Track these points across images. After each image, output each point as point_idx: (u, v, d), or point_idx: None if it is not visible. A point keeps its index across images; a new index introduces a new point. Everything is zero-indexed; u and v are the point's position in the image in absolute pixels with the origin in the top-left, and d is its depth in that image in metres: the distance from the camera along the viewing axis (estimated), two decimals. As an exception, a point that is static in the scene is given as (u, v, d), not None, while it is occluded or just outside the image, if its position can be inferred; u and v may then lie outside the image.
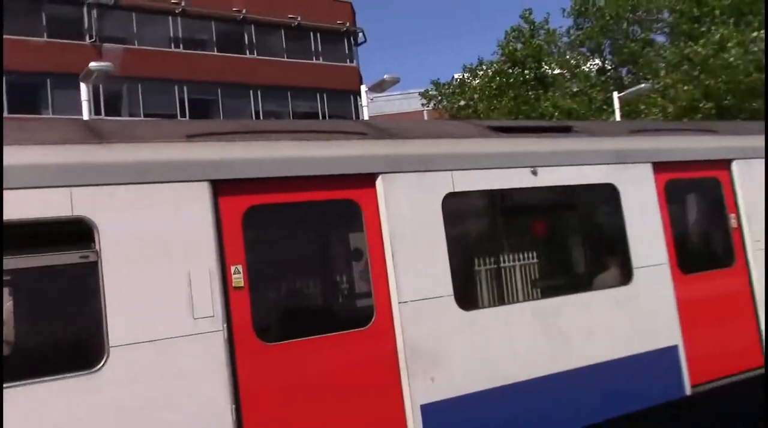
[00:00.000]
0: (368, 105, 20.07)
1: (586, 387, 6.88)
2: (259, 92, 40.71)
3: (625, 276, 7.38)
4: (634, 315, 7.28)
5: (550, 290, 7.28)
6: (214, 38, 40.42)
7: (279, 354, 5.61)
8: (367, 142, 6.32)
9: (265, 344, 5.57)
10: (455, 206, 6.53)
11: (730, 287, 8.17)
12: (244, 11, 40.46)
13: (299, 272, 6.22)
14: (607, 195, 7.46)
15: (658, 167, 7.84)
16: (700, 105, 29.68)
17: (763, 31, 30.22)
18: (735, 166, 8.49)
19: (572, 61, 35.66)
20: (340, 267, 6.51)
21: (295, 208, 5.94)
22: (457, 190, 6.50)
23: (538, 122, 9.46)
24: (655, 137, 8.23)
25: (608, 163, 7.49)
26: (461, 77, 36.83)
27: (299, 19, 42.42)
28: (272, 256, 6.08)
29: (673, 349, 7.45)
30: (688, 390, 7.45)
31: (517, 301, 7.08)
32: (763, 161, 8.75)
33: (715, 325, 7.89)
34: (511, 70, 34.73)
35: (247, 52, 41.54)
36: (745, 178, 8.52)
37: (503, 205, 7.15)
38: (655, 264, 7.52)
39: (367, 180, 6.15)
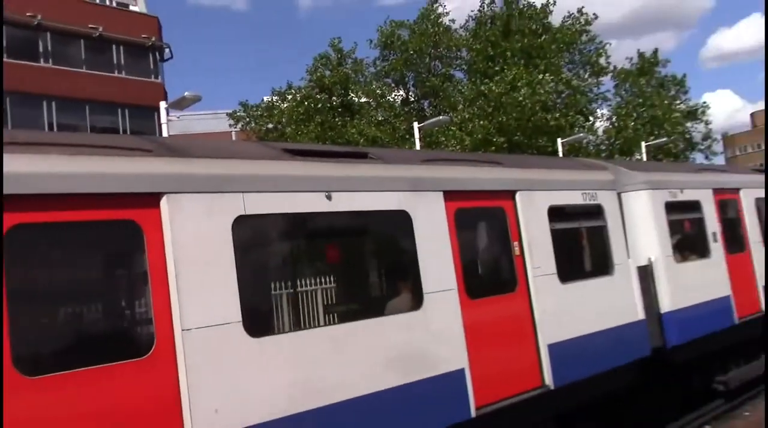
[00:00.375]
0: (169, 123, 19.30)
1: (377, 412, 6.86)
2: (53, 104, 37.93)
3: (416, 301, 7.51)
4: (424, 340, 7.41)
5: (342, 315, 7.24)
6: (4, 43, 37.20)
7: (43, 388, 5.06)
8: (152, 160, 5.94)
9: (26, 377, 5.00)
10: (246, 229, 6.30)
11: (513, 311, 8.58)
12: (39, 17, 37.64)
13: (70, 297, 5.67)
14: (400, 221, 7.57)
15: (449, 196, 8.10)
16: (494, 139, 31.68)
17: (549, 75, 32.97)
18: (518, 197, 8.98)
19: (378, 91, 36.72)
20: (117, 292, 6.04)
21: (66, 227, 5.43)
22: (248, 212, 6.28)
23: (334, 147, 9.47)
24: (446, 167, 8.52)
25: (402, 190, 7.62)
26: (270, 100, 36.68)
27: (101, 29, 40.15)
28: (39, 280, 5.50)
29: (459, 373, 7.65)
30: (473, 413, 7.68)
31: (309, 327, 6.95)
32: (542, 192, 9.35)
33: (499, 348, 8.24)
34: (318, 96, 35.10)
35: (42, 60, 38.61)
36: (527, 208, 9.03)
37: (297, 229, 7.01)
38: (444, 290, 7.72)
39: (151, 200, 5.77)
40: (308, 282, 7.16)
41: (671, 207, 11.95)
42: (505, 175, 9.07)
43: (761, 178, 15.86)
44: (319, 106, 34.73)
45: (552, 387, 8.67)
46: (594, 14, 37.61)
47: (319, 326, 7.05)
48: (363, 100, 36.79)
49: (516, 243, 8.90)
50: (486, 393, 7.90)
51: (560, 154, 28.31)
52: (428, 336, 7.45)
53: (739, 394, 12.89)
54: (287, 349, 6.35)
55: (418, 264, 7.55)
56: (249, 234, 6.36)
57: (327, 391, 6.50)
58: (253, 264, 6.50)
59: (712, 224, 12.84)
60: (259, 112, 36.20)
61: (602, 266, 10.30)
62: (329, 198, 6.91)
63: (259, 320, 6.33)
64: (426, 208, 7.81)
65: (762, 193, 14.76)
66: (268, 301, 6.76)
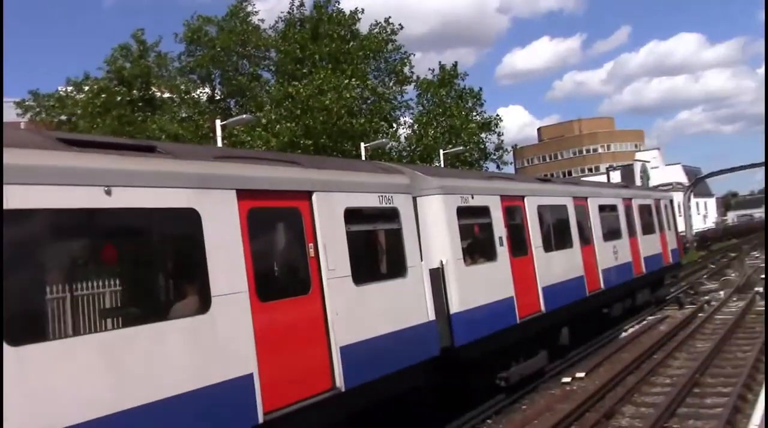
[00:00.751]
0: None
1: (158, 423, 6.45)
2: None
3: (203, 304, 7.15)
4: (210, 345, 7.08)
5: (122, 320, 6.75)
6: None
7: None
8: None
9: None
10: (8, 226, 5.64)
11: (305, 314, 8.47)
12: None
13: None
14: (188, 220, 7.19)
15: (242, 194, 7.83)
16: (301, 142, 31.66)
17: (355, 80, 33.52)
18: (315, 198, 8.90)
19: (182, 87, 35.45)
20: None
21: None
22: (11, 207, 5.64)
23: (117, 138, 8.86)
24: (240, 164, 8.24)
25: (191, 187, 7.24)
26: (65, 90, 34.12)
27: None
28: None
29: (247, 378, 7.40)
30: (260, 418, 7.46)
31: (82, 333, 6.41)
32: (339, 194, 9.34)
33: (290, 352, 8.09)
34: (117, 89, 33.17)
35: None
36: (323, 209, 8.97)
37: (70, 226, 6.39)
38: (233, 293, 7.43)
39: None
40: (83, 285, 6.60)
41: (463, 211, 12.45)
42: (302, 175, 8.95)
43: (544, 186, 17.06)
44: (118, 99, 32.84)
45: (343, 389, 8.66)
46: (399, 24, 38.84)
47: (94, 332, 6.52)
48: (166, 95, 35.35)
49: (311, 245, 8.81)
50: (275, 397, 7.72)
51: (363, 159, 28.84)
52: (215, 340, 7.13)
53: (518, 389, 13.71)
54: (55, 358, 5.78)
55: (206, 266, 7.20)
56: (10, 231, 5.70)
57: (102, 402, 5.98)
58: (15, 265, 5.83)
59: (499, 229, 13.56)
60: (51, 103, 33.54)
61: (396, 268, 10.50)
62: (109, 193, 6.39)
63: (20, 327, 5.69)
64: (217, 206, 7.49)
65: (543, 201, 15.86)
66: (34, 306, 6.12)
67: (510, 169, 50.86)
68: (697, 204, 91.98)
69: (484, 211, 13.31)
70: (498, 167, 41.09)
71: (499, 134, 41.53)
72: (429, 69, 57.96)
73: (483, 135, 40.74)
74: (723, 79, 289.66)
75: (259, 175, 8.28)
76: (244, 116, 26.07)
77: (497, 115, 41.37)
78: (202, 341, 7.01)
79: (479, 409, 12.66)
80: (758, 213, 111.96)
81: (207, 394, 6.91)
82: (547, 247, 15.51)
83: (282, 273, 8.93)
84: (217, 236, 7.40)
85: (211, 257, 7.27)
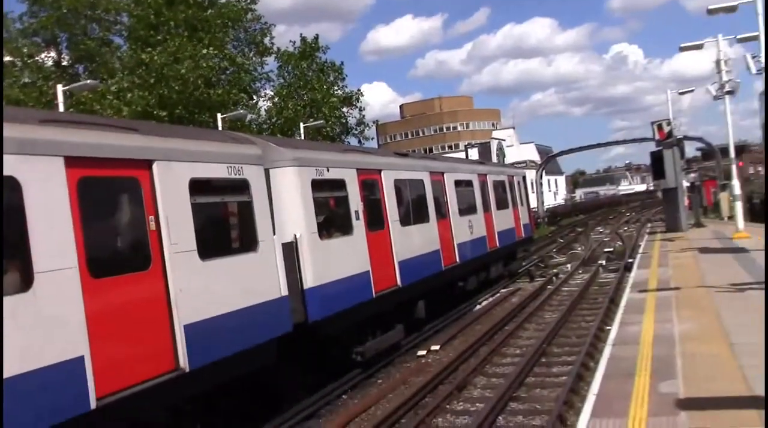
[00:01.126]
0: None
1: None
2: None
3: (24, 281, 6.50)
4: (33, 326, 6.45)
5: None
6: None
7: None
8: None
9: None
10: None
11: (145, 291, 7.94)
12: None
13: None
14: (7, 189, 6.48)
15: (72, 162, 7.18)
16: (155, 112, 30.25)
17: (213, 49, 32.36)
18: (156, 167, 8.33)
19: (24, 50, 32.95)
20: None
21: None
22: None
23: None
24: (69, 129, 7.53)
25: (10, 153, 6.53)
26: None
27: None
28: None
29: (77, 361, 6.83)
30: (92, 404, 6.91)
31: None
32: (183, 164, 8.79)
33: (128, 331, 7.56)
34: (-54, 49, 30.34)
35: None
36: (166, 179, 8.43)
37: None
38: (61, 268, 6.82)
39: None
40: None
41: (318, 184, 12.18)
42: (141, 143, 8.34)
43: (401, 160, 17.08)
44: (-52, 60, 30.07)
45: (187, 370, 8.22)
46: (260, -7, 37.83)
47: None
48: (7, 58, 32.72)
49: (152, 218, 8.26)
50: (111, 381, 7.19)
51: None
52: (39, 320, 6.51)
53: (374, 363, 13.69)
54: None
55: (27, 239, 6.54)
56: None
57: None
58: None
59: (356, 202, 13.39)
60: None
61: (247, 242, 10.09)
62: None
63: None
64: (41, 175, 6.81)
65: (400, 175, 15.86)
66: None
67: (372, 145, 51.03)
68: (549, 181, 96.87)
69: (339, 184, 13.09)
70: (360, 142, 41.08)
71: (361, 109, 41.51)
72: (290, 41, 57.10)
73: (345, 109, 40.56)
74: (573, 63, 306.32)
75: (90, 142, 7.61)
76: (89, 82, 24.50)
77: (358, 90, 41.28)
78: (24, 322, 6.37)
79: (335, 384, 12.51)
80: (603, 190, 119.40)
81: (29, 380, 6.30)
82: (404, 221, 15.53)
83: (118, 248, 8.30)
84: (41, 207, 6.75)
85: (34, 230, 6.62)
